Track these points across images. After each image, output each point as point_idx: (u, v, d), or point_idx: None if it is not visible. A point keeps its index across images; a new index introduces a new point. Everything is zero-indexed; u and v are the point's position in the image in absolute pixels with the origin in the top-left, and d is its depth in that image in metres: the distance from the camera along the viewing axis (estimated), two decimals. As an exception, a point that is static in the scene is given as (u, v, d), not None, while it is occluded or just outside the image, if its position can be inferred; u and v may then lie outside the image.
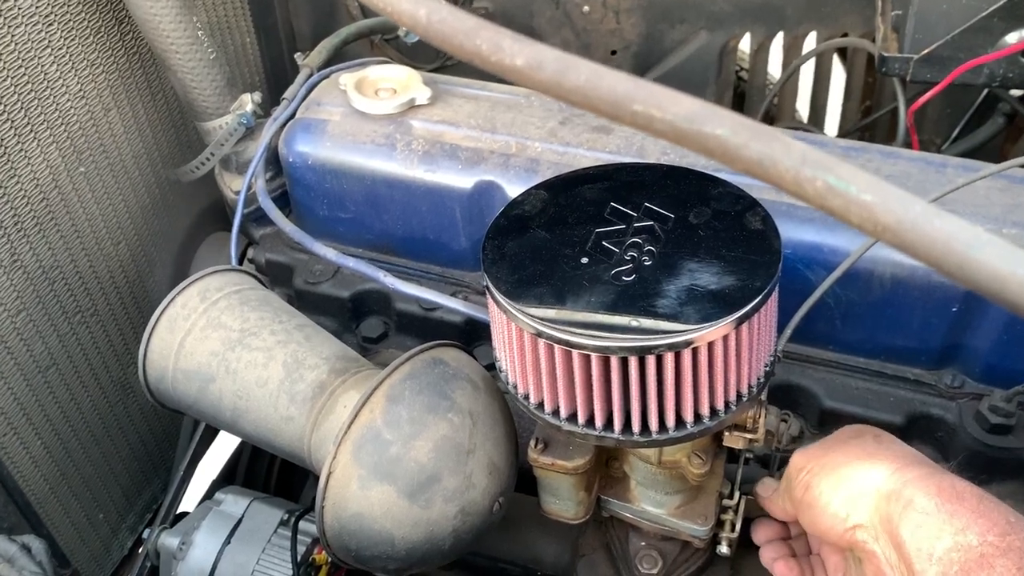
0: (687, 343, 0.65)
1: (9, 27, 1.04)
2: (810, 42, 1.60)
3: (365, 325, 1.19)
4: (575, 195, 0.79)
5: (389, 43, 1.60)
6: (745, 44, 1.63)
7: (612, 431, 0.71)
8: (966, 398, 1.01)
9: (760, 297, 0.67)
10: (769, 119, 1.64)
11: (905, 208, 0.31)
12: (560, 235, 0.75)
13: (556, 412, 0.72)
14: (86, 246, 1.23)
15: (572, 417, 0.72)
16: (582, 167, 1.05)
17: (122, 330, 1.33)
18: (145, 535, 1.21)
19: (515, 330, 0.71)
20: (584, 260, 0.72)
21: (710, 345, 0.66)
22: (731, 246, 0.71)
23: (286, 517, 1.12)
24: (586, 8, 1.61)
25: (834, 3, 1.53)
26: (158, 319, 0.90)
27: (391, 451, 0.76)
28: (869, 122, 1.60)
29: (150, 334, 0.90)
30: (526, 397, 0.74)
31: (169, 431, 1.48)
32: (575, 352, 0.67)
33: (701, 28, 1.60)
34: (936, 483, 0.69)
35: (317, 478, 1.35)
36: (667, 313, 0.66)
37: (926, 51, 1.06)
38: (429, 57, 1.67)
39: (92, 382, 1.30)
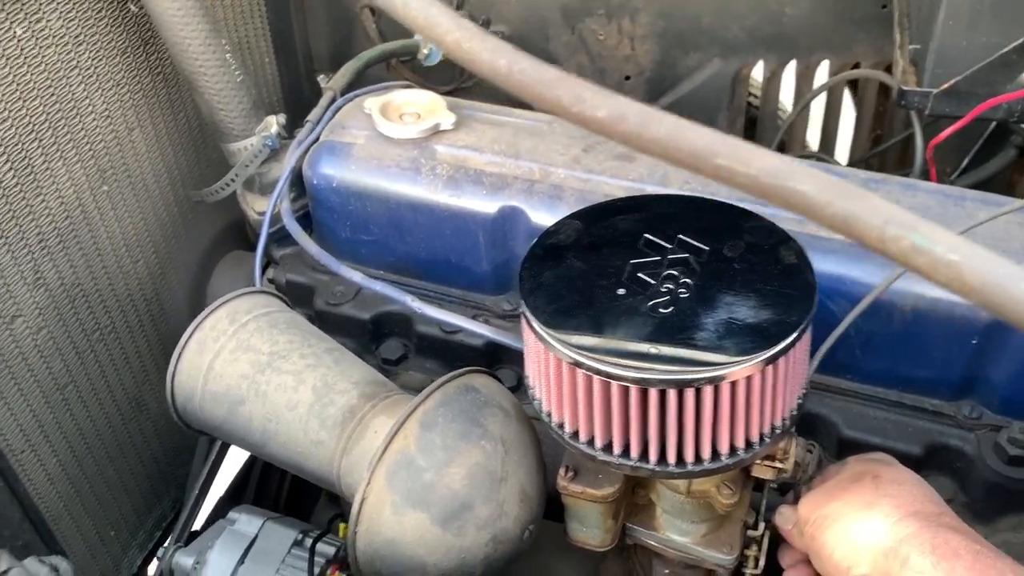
0: (725, 377, 0.66)
1: (40, 47, 1.05)
2: (822, 70, 1.62)
3: (385, 347, 1.20)
4: (609, 225, 0.80)
5: (405, 64, 1.61)
6: (758, 71, 1.65)
7: (647, 462, 0.71)
8: (984, 429, 1.02)
9: (797, 332, 0.68)
10: (780, 148, 1.65)
11: (992, 269, 0.32)
12: (596, 265, 0.76)
13: (591, 442, 0.73)
14: (106, 264, 1.23)
15: (607, 447, 0.73)
16: (608, 195, 1.07)
17: (138, 347, 1.33)
18: (159, 554, 1.21)
19: (552, 359, 0.71)
20: (621, 291, 0.73)
21: (748, 379, 0.67)
22: (767, 280, 0.72)
23: (300, 537, 1.12)
24: (601, 34, 1.62)
25: (846, 32, 1.55)
26: (187, 340, 0.91)
27: (425, 478, 0.77)
28: (879, 151, 1.61)
29: (179, 355, 0.90)
30: (560, 426, 0.75)
31: (180, 448, 1.48)
32: (614, 383, 0.68)
33: (715, 55, 1.62)
34: (931, 539, 0.71)
35: (330, 499, 1.36)
36: (706, 346, 0.67)
37: (946, 86, 1.08)
38: (444, 79, 1.68)
39: (108, 399, 1.30)
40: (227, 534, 1.14)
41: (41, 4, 1.05)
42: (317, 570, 1.08)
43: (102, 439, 1.30)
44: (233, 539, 1.13)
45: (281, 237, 1.20)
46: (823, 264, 1.00)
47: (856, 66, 1.60)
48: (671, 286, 0.73)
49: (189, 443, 1.46)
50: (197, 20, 1.07)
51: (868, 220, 0.33)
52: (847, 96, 1.74)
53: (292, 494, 1.47)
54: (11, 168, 1.05)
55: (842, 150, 1.77)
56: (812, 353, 0.85)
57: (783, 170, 0.33)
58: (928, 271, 0.33)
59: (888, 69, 1.53)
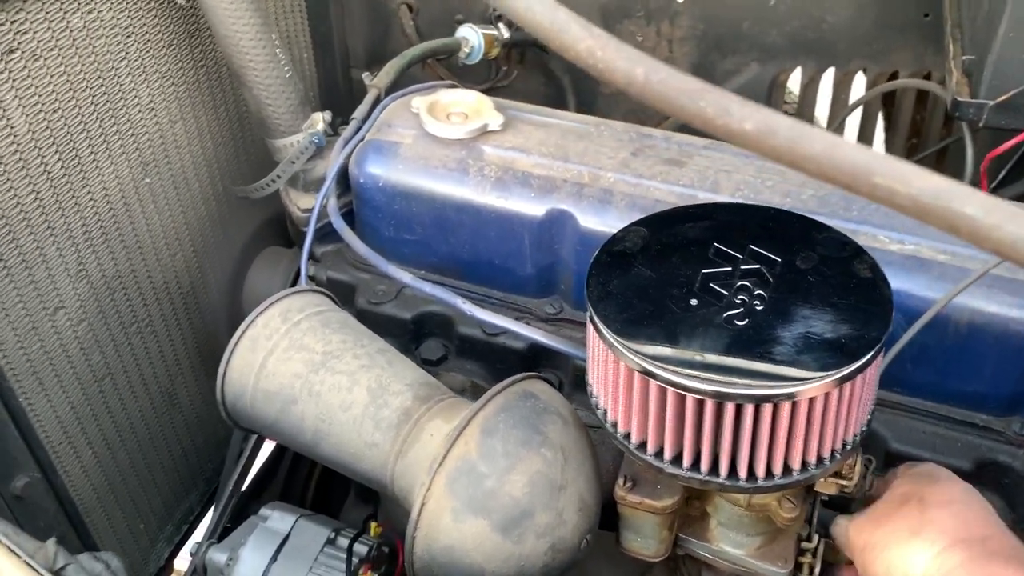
0: (803, 393, 0.65)
1: (91, 39, 1.05)
2: (860, 78, 1.61)
3: (425, 347, 1.19)
4: (676, 233, 0.79)
5: (440, 63, 1.60)
6: (795, 78, 1.64)
7: (717, 476, 0.71)
8: (1036, 446, 1.01)
9: (875, 349, 0.67)
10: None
11: None
12: (665, 274, 0.75)
13: (659, 453, 0.72)
14: (146, 257, 1.22)
15: (677, 459, 0.72)
16: (658, 200, 1.06)
17: (173, 342, 1.32)
18: (192, 549, 1.20)
19: (623, 369, 0.71)
20: (693, 301, 0.72)
21: (825, 396, 0.66)
22: (842, 294, 0.71)
23: (333, 536, 1.11)
24: (640, 36, 1.61)
25: (886, 40, 1.54)
26: (240, 337, 0.90)
27: (486, 484, 0.76)
28: (917, 160, 1.60)
29: (232, 352, 0.89)
30: (627, 436, 0.74)
31: (209, 443, 1.47)
32: (689, 396, 0.67)
33: (752, 60, 1.61)
34: (976, 572, 0.70)
35: (359, 496, 1.35)
36: (784, 361, 0.66)
37: (1003, 97, 1.07)
38: (479, 79, 1.67)
39: (142, 392, 1.29)
40: (260, 531, 1.13)
41: (94, -5, 1.05)
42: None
43: (135, 432, 1.30)
44: (266, 536, 1.12)
45: (324, 235, 1.20)
46: (880, 276, 0.99)
47: (894, 75, 1.59)
48: (745, 297, 0.72)
49: (218, 438, 1.46)
50: (249, 14, 1.07)
51: (1037, 249, 0.32)
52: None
53: (319, 491, 1.46)
54: (60, 160, 1.04)
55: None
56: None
57: (946, 191, 0.33)
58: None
59: (927, 77, 1.52)
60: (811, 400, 0.66)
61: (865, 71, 1.59)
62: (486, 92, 1.71)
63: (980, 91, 1.09)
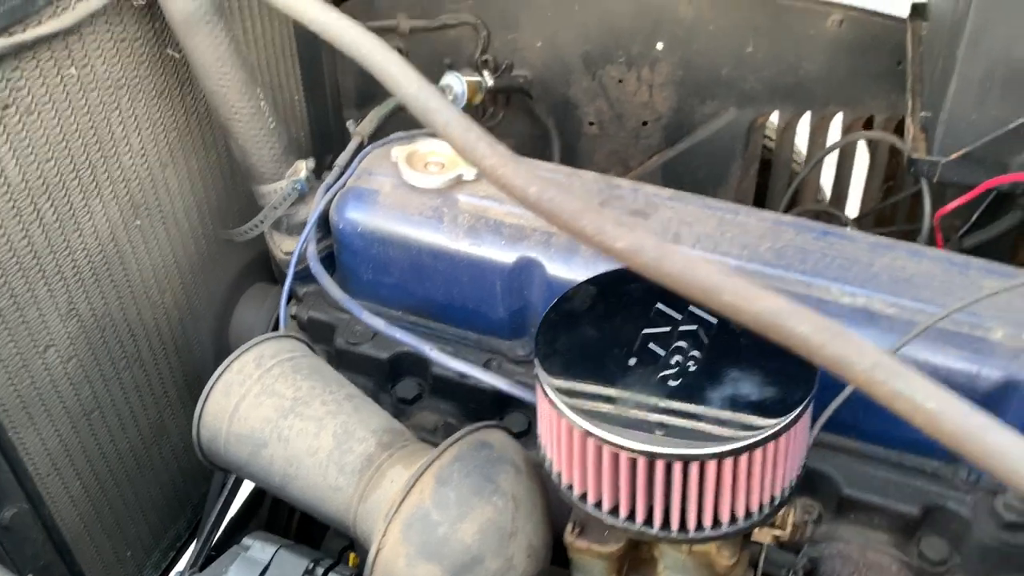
0: (730, 452, 0.70)
1: (85, 91, 1.10)
2: (837, 121, 1.66)
3: (401, 386, 1.24)
4: (623, 293, 0.84)
5: (430, 103, 1.65)
6: (774, 118, 1.69)
7: (651, 527, 0.75)
8: (982, 493, 1.05)
9: (798, 411, 0.71)
10: (792, 197, 1.69)
11: (965, 419, 0.35)
12: (609, 334, 0.79)
13: (598, 504, 0.77)
14: (136, 295, 1.27)
15: (614, 511, 0.76)
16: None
17: (162, 375, 1.37)
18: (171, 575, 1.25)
19: (564, 425, 0.75)
20: (632, 361, 0.76)
21: (750, 454, 0.70)
22: (772, 356, 0.75)
23: (311, 566, 1.16)
24: (621, 80, 1.67)
25: (861, 86, 1.58)
26: (215, 383, 0.95)
27: (439, 532, 0.80)
28: (889, 203, 1.64)
29: (207, 396, 0.94)
30: (569, 487, 0.78)
31: (197, 471, 1.51)
32: (623, 453, 0.71)
33: (731, 104, 1.66)
34: None
35: (339, 527, 1.39)
36: (712, 420, 0.70)
37: (955, 156, 1.11)
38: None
39: (131, 425, 1.34)
40: (241, 560, 1.17)
41: (88, 50, 1.10)
42: (327, 599, 1.11)
43: (124, 462, 1.34)
44: (247, 565, 1.17)
45: (307, 275, 1.25)
46: (829, 327, 1.04)
47: (870, 120, 1.64)
48: (680, 358, 0.76)
49: (205, 468, 1.50)
50: (234, 70, 1.12)
51: (857, 363, 0.37)
52: (862, 146, 1.77)
53: (303, 521, 1.50)
54: (52, 206, 1.10)
55: (855, 199, 1.80)
56: (815, 419, 0.88)
57: (784, 311, 0.37)
58: (908, 415, 0.37)
59: (901, 123, 1.56)
60: (735, 459, 0.70)
61: (842, 116, 1.63)
62: (473, 132, 1.76)
63: (934, 148, 1.14)
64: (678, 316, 0.80)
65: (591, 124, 1.73)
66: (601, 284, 0.85)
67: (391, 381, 1.25)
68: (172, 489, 1.47)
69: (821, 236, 1.13)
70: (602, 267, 1.11)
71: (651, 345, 0.78)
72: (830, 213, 1.62)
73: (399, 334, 1.08)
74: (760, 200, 1.77)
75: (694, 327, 0.79)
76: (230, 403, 0.94)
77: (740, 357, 0.76)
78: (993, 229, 1.46)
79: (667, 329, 0.79)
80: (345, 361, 1.24)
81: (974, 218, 1.56)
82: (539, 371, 0.77)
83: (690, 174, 1.72)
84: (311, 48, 1.54)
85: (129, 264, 1.25)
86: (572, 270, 1.11)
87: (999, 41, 1.01)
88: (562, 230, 0.43)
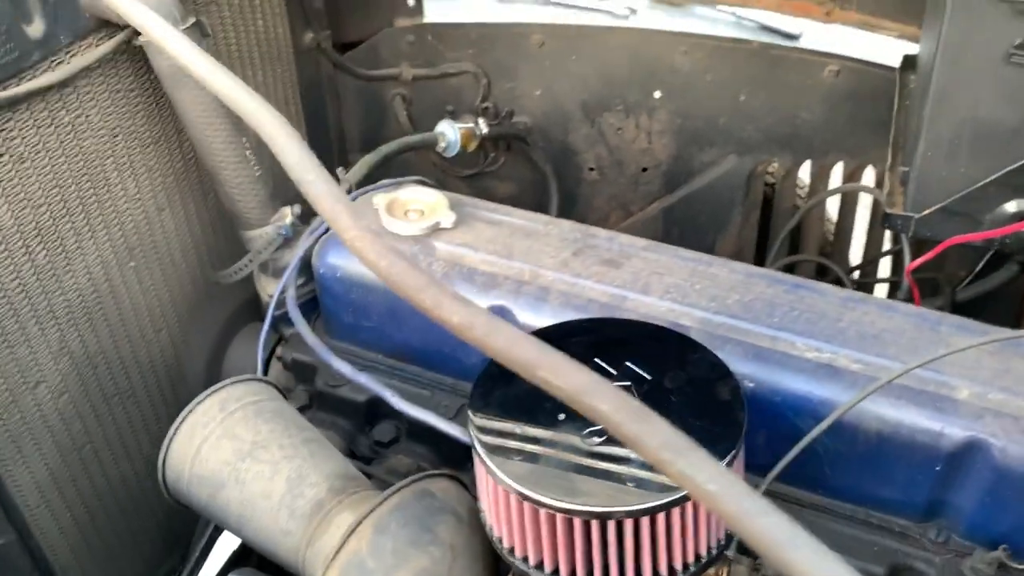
0: (646, 511, 0.70)
1: (78, 138, 1.15)
2: (838, 169, 1.65)
3: (378, 429, 1.26)
4: (563, 347, 0.85)
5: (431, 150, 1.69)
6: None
7: (575, 583, 0.75)
8: (950, 555, 1.03)
9: (718, 471, 0.71)
10: (793, 243, 1.68)
11: (739, 502, 0.36)
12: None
13: (526, 559, 0.77)
14: (129, 333, 1.32)
15: (540, 566, 0.77)
16: (591, 299, 1.11)
17: (156, 411, 1.41)
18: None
19: (491, 481, 0.76)
20: (561, 416, 0.77)
21: (668, 514, 0.71)
22: (698, 415, 0.76)
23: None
24: (620, 128, 1.68)
25: (860, 136, 1.58)
26: (179, 425, 0.98)
27: (373, 579, 0.82)
28: (883, 255, 1.63)
29: (171, 439, 0.97)
30: (500, 540, 0.79)
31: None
32: (542, 511, 0.72)
33: (730, 152, 1.66)
34: None
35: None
36: (631, 480, 0.71)
37: (926, 212, 1.11)
38: (468, 163, 1.76)
39: (124, 459, 1.37)
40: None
41: (82, 99, 1.16)
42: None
43: (116, 496, 1.38)
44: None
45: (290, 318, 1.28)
46: (792, 382, 1.03)
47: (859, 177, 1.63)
48: (608, 415, 0.77)
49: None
50: (219, 120, 1.17)
51: (648, 443, 0.38)
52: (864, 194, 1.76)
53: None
54: (44, 248, 1.15)
55: (858, 242, 1.78)
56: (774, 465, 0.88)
57: (590, 389, 0.39)
58: (693, 494, 0.38)
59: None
60: (653, 519, 0.71)
61: (842, 164, 1.63)
62: (474, 177, 1.80)
63: (907, 204, 1.13)
64: (614, 372, 0.81)
65: (591, 169, 1.75)
66: (545, 338, 0.86)
67: (369, 424, 1.27)
68: (167, 523, 1.50)
69: (792, 289, 1.13)
70: (570, 316, 1.13)
71: (582, 401, 0.79)
72: (821, 264, 1.62)
73: (363, 379, 1.10)
74: (762, 247, 1.76)
75: (627, 383, 0.80)
76: (193, 445, 0.97)
77: (667, 416, 0.76)
78: (987, 283, 1.44)
79: (601, 385, 0.80)
80: (325, 402, 1.27)
81: (975, 271, 1.54)
82: (470, 424, 0.78)
83: (691, 220, 1.73)
84: (315, 95, 1.59)
85: (123, 303, 1.29)
86: (540, 318, 1.12)
87: (964, 101, 1.01)
88: (408, 301, 0.45)
